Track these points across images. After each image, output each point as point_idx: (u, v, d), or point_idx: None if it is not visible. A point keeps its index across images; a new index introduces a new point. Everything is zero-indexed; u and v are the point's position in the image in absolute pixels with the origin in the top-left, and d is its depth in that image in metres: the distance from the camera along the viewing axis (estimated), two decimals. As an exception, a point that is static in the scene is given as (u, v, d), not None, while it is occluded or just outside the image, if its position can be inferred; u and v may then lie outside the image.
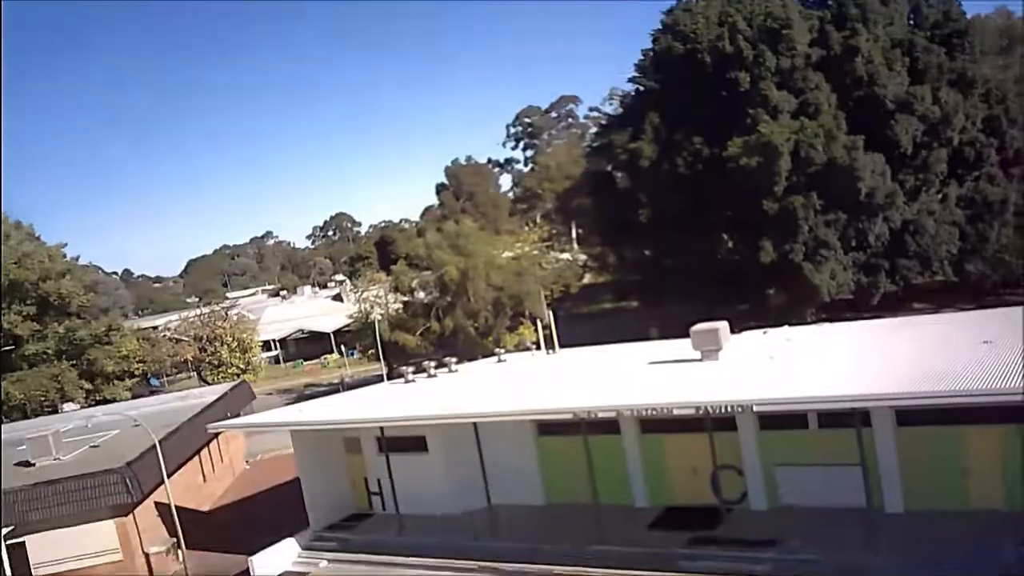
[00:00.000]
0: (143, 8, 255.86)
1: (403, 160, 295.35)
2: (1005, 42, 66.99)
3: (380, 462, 27.12)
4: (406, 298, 55.52)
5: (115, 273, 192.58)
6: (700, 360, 25.53)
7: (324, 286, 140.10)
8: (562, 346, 36.02)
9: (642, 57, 59.38)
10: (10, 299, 51.32)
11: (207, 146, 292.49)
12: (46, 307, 53.15)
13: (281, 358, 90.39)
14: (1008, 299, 49.70)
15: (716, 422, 21.85)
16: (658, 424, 23.02)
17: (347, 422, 26.88)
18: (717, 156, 50.60)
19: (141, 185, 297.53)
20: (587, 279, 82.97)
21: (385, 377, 45.30)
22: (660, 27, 57.56)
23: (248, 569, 25.67)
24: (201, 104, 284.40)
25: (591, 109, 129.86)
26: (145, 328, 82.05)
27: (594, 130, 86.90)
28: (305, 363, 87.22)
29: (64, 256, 57.86)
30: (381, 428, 26.59)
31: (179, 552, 26.51)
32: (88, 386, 53.71)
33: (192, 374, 76.21)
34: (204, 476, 35.97)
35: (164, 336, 75.06)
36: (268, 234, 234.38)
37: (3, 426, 41.44)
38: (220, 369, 67.96)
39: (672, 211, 53.15)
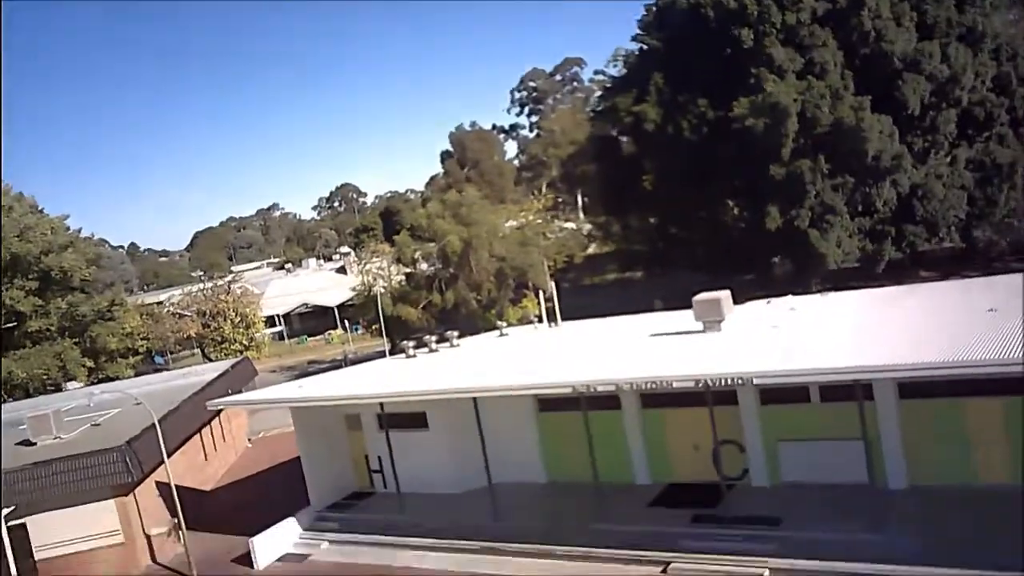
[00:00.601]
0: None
1: (409, 129, 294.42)
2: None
3: (380, 439, 26.91)
4: (409, 270, 55.07)
5: (121, 247, 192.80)
6: (702, 331, 25.14)
7: (329, 259, 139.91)
8: (565, 318, 35.65)
9: (645, 13, 58.24)
10: (12, 273, 50.66)
11: (213, 117, 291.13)
12: (48, 282, 52.48)
13: (285, 334, 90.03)
14: (1016, 267, 49.02)
15: (717, 396, 21.45)
16: (659, 398, 22.71)
17: (345, 398, 26.62)
18: (722, 119, 49.68)
19: (147, 157, 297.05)
20: (592, 249, 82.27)
21: (387, 352, 45.01)
22: (664, -17, 56.43)
23: (249, 551, 25.61)
24: (207, 75, 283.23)
25: (596, 72, 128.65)
26: (150, 303, 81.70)
27: (599, 93, 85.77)
28: (309, 339, 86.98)
29: (67, 229, 57.21)
30: (381, 404, 26.32)
31: (180, 533, 26.34)
32: (91, 364, 53.36)
33: (196, 351, 75.99)
34: (206, 455, 35.82)
35: (167, 312, 74.61)
36: (274, 206, 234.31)
37: (5, 405, 41.38)
38: (223, 345, 67.64)
39: (677, 177, 52.43)
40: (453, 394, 24.00)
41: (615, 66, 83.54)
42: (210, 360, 62.90)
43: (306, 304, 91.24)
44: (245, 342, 69.06)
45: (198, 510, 29.90)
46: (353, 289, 65.33)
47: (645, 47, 58.55)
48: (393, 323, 52.42)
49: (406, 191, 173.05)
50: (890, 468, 20.36)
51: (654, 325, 28.41)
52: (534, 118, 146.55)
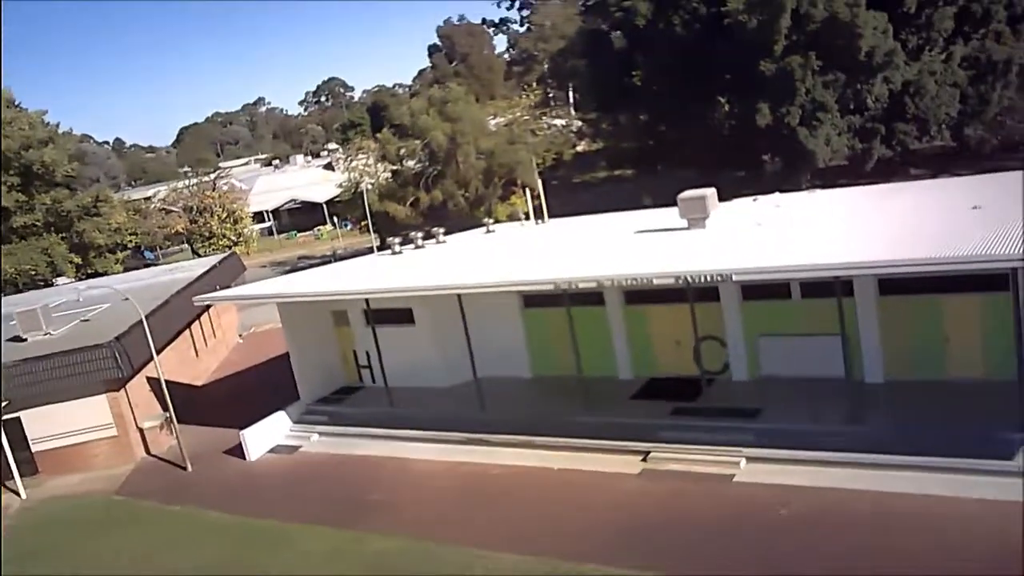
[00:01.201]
0: None
1: (396, 21, 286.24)
2: None
3: (368, 335, 27.22)
4: (395, 167, 54.56)
5: (106, 143, 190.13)
6: (687, 228, 25.21)
7: (317, 155, 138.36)
8: (554, 216, 35.63)
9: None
10: None
11: (197, 7, 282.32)
12: (30, 177, 51.90)
13: (274, 229, 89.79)
14: (1007, 164, 48.90)
15: (699, 292, 21.75)
16: (642, 295, 22.97)
17: (331, 294, 26.76)
18: (715, 14, 48.56)
19: (131, 48, 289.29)
20: (582, 147, 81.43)
21: (375, 249, 44.95)
22: None
23: (241, 443, 26.22)
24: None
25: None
26: (136, 199, 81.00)
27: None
28: (299, 234, 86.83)
29: (46, 124, 56.23)
30: (367, 300, 26.54)
31: (172, 426, 26.91)
32: (78, 260, 53.28)
33: (185, 246, 75.83)
34: (196, 351, 36.21)
35: (155, 207, 74.07)
36: (260, 100, 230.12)
37: (-3, 301, 41.44)
38: (211, 241, 67.52)
39: (668, 74, 51.47)
40: (437, 291, 24.18)
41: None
42: (199, 255, 62.90)
43: (295, 200, 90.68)
44: (233, 237, 68.94)
45: (190, 404, 30.51)
46: (339, 186, 64.87)
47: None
48: (381, 220, 52.22)
49: (394, 85, 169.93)
50: (867, 363, 20.79)
51: (640, 222, 28.45)
52: (525, 12, 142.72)
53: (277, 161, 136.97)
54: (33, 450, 27.67)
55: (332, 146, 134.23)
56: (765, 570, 15.39)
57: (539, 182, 39.60)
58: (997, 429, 17.09)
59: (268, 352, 36.69)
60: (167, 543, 21.69)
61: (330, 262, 44.83)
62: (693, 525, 17.41)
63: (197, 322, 36.79)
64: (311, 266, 46.52)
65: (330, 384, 29.02)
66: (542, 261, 26.28)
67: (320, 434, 26.59)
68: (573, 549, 17.28)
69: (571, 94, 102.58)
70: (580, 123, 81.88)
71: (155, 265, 57.70)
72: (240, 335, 43.32)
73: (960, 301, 19.57)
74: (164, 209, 72.68)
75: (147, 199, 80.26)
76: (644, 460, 20.44)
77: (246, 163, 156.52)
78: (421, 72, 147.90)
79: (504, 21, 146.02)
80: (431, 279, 25.60)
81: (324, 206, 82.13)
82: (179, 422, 26.96)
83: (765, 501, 17.71)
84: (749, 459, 19.27)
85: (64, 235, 53.20)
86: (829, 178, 48.34)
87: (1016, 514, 15.19)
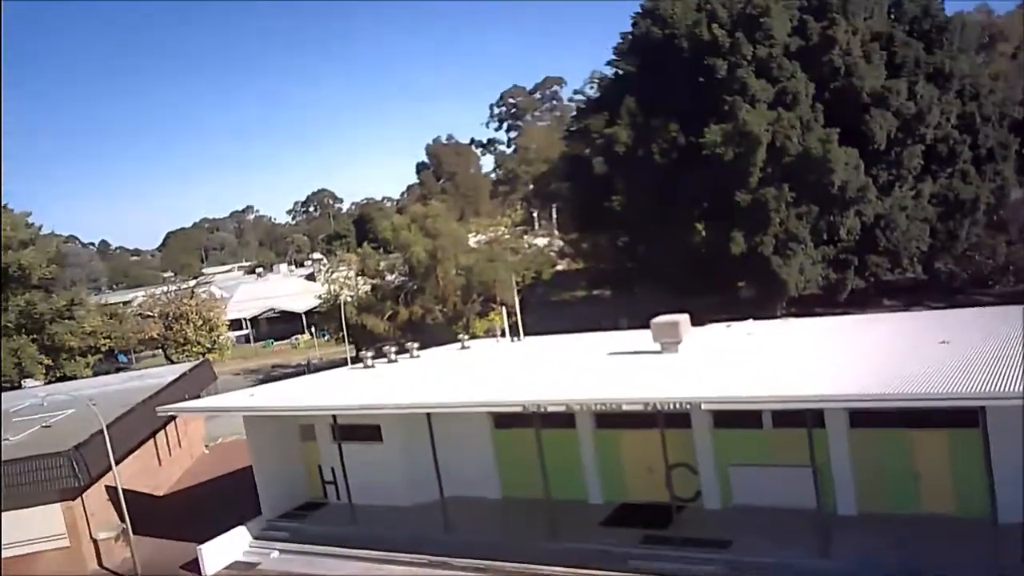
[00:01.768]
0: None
1: (388, 136, 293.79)
2: (985, 39, 67.00)
3: (334, 450, 26.66)
4: (375, 280, 54.91)
5: (91, 244, 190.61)
6: (660, 352, 25.24)
7: (301, 264, 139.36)
8: (530, 334, 35.70)
9: (621, 40, 58.86)
10: None
11: (191, 116, 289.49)
12: (6, 278, 51.83)
13: (252, 337, 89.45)
14: (977, 298, 49.94)
15: (671, 418, 21.57)
16: (614, 419, 22.81)
17: (295, 409, 26.41)
18: (693, 144, 50.22)
19: (122, 153, 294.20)
20: (562, 265, 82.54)
21: (349, 360, 44.76)
22: (639, 11, 57.07)
23: (197, 558, 25.29)
24: (186, 74, 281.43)
25: (575, 91, 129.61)
26: (115, 303, 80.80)
27: (574, 113, 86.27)
28: (276, 343, 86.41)
29: (29, 226, 56.48)
30: (334, 416, 26.15)
31: (128, 538, 25.97)
32: (48, 362, 52.60)
33: (159, 352, 75.21)
34: (160, 460, 35.33)
35: (132, 312, 73.80)
36: (249, 208, 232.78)
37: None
38: (185, 347, 67.11)
39: (646, 199, 52.78)
40: (405, 409, 23.93)
41: (592, 87, 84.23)
42: (172, 362, 62.25)
43: (273, 309, 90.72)
44: (208, 344, 68.47)
45: (149, 515, 29.49)
46: (319, 297, 65.09)
47: (620, 72, 59.07)
48: (359, 332, 52.20)
49: (382, 198, 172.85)
50: (839, 495, 20.56)
51: (614, 344, 28.45)
52: (513, 133, 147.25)
53: (260, 269, 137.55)
54: (-20, 559, 26.52)
55: (317, 256, 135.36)
56: None
57: (517, 300, 39.90)
58: (965, 570, 16.74)
59: (233, 463, 35.76)
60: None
61: (304, 372, 44.53)
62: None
63: (163, 430, 36.02)
64: (284, 375, 46.12)
65: (293, 499, 28.25)
66: (514, 381, 26.11)
67: (280, 551, 25.69)
68: None
69: (554, 214, 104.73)
70: (561, 242, 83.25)
71: (128, 368, 56.98)
72: (206, 445, 42.38)
73: (930, 436, 19.54)
74: (141, 314, 72.33)
75: (126, 303, 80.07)
76: (612, 590, 19.81)
77: (229, 270, 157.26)
78: (409, 187, 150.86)
79: (492, 142, 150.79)
80: (401, 396, 25.32)
81: (303, 316, 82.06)
82: (136, 533, 26.07)
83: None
84: (719, 593, 18.73)
85: (35, 337, 52.61)
86: (804, 306, 49.07)
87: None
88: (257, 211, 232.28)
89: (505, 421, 25.07)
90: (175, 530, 28.42)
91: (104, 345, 62.50)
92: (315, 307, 68.17)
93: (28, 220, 56.48)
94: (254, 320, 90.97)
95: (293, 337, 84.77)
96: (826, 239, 50.25)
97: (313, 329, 75.41)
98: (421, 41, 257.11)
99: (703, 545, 20.37)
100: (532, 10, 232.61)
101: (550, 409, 21.23)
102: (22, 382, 48.21)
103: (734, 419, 21.32)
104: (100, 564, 27.34)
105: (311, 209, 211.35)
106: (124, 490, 25.78)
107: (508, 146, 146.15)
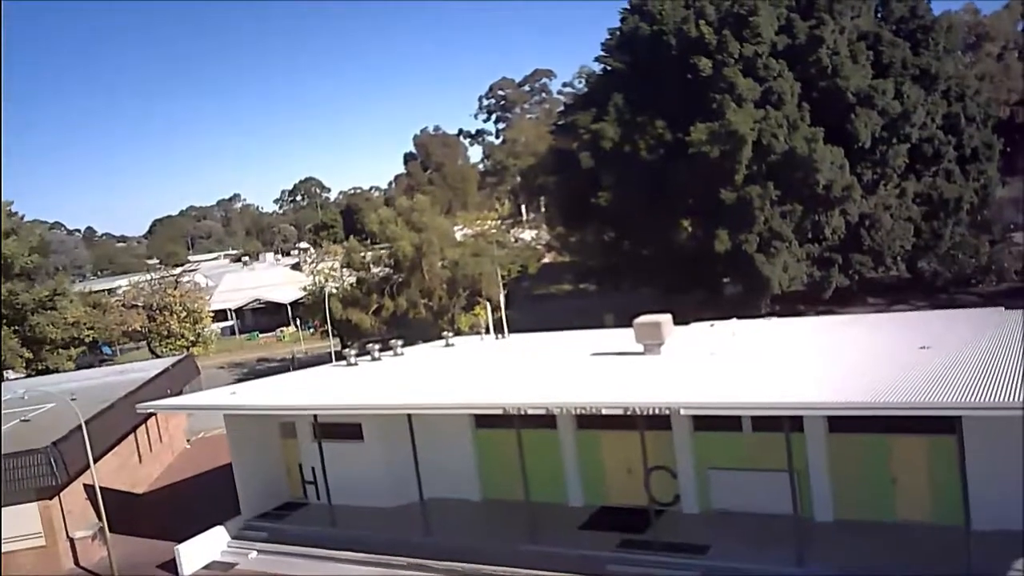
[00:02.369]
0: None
1: (376, 126, 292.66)
2: (972, 39, 67.16)
3: (314, 450, 26.52)
4: (360, 274, 54.66)
5: (77, 230, 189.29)
6: (642, 353, 25.20)
7: (287, 254, 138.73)
8: (516, 330, 35.63)
9: (609, 36, 58.67)
10: None
11: (180, 105, 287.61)
12: (-15, 269, 51.34)
13: (237, 329, 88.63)
14: (960, 297, 50.26)
15: (651, 421, 21.45)
16: (594, 420, 22.63)
17: (276, 408, 26.27)
18: (680, 141, 50.14)
19: (110, 138, 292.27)
20: (549, 259, 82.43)
21: (333, 356, 44.55)
22: (628, 7, 56.87)
23: (175, 558, 25.16)
24: (175, 64, 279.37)
25: (564, 84, 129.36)
26: (99, 291, 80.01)
27: (561, 108, 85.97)
28: (261, 335, 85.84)
29: (11, 215, 55.87)
30: (315, 415, 26.03)
31: (104, 537, 25.79)
32: (29, 354, 52.12)
33: (143, 344, 74.67)
34: (140, 456, 35.11)
35: (115, 303, 73.14)
36: (236, 196, 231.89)
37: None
38: (169, 340, 66.60)
39: (633, 195, 52.69)
40: (386, 410, 23.83)
41: (580, 82, 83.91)
42: (156, 355, 61.86)
43: (259, 300, 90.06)
44: (192, 337, 68.00)
45: (128, 514, 29.34)
46: (304, 289, 64.72)
47: (608, 68, 58.90)
48: (343, 326, 51.97)
49: (370, 188, 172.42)
50: (817, 501, 20.61)
51: (597, 344, 28.41)
52: (501, 125, 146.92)
53: (247, 258, 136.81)
54: (-45, 559, 26.30)
55: (303, 245, 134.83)
56: None
57: (502, 295, 39.79)
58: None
59: (215, 460, 35.58)
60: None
61: (288, 367, 44.29)
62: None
63: (144, 425, 35.81)
64: (269, 370, 45.87)
65: (273, 498, 28.13)
66: (495, 381, 26.04)
67: (259, 552, 25.59)
68: None
69: (542, 207, 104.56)
70: (548, 236, 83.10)
71: (112, 361, 56.51)
72: (188, 440, 42.17)
73: (907, 442, 19.59)
74: (124, 305, 71.67)
75: (110, 291, 79.30)
76: (589, 596, 19.82)
77: (215, 258, 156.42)
78: (397, 177, 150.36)
79: (480, 133, 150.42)
80: (383, 396, 25.24)
81: (288, 307, 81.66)
82: (114, 532, 25.87)
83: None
84: (696, 599, 18.76)
85: (16, 328, 52.12)
86: (788, 303, 49.20)
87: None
88: (244, 200, 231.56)
89: (487, 421, 24.99)
90: (153, 529, 28.30)
91: (87, 336, 62.00)
92: (301, 298, 67.73)
93: (11, 209, 55.89)
94: (239, 311, 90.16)
95: (278, 329, 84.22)
96: (811, 237, 50.36)
97: (299, 321, 74.99)
98: (410, 32, 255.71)
99: (680, 550, 20.35)
100: (521, 2, 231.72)
101: (530, 412, 21.15)
102: (2, 375, 47.73)
103: (714, 422, 21.33)
104: (77, 563, 27.14)
105: (299, 198, 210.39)
106: (102, 488, 25.57)
107: (496, 137, 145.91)
